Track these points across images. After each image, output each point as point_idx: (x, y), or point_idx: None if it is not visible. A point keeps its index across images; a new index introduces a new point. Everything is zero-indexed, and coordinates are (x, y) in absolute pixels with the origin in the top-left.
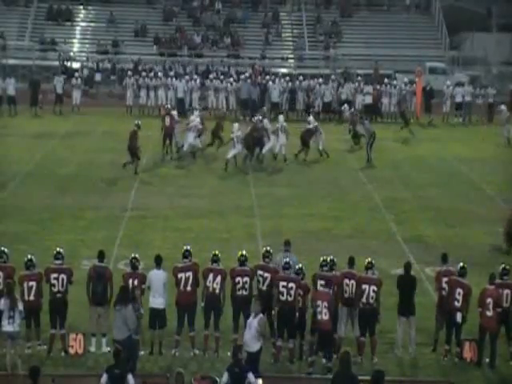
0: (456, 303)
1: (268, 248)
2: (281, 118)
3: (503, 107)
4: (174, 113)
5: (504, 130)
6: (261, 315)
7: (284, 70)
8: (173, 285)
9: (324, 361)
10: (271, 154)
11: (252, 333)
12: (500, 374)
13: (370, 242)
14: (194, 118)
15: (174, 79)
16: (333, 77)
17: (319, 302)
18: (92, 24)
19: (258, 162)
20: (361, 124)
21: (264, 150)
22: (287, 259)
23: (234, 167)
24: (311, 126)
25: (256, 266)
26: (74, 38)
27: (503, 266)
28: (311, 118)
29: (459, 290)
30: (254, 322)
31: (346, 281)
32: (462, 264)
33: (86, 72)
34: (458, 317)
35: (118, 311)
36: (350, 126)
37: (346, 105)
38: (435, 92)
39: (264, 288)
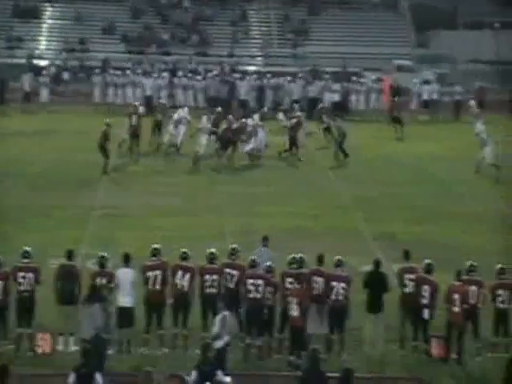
0: (423, 300)
1: (235, 246)
2: (256, 116)
3: (472, 103)
4: (141, 111)
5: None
6: (224, 313)
7: (252, 68)
8: (141, 283)
9: (292, 358)
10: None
11: (218, 329)
12: (467, 370)
13: (340, 239)
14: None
15: (141, 77)
16: (301, 74)
17: (290, 299)
18: (59, 21)
19: (229, 160)
20: (323, 121)
21: (247, 149)
22: (254, 257)
23: (206, 165)
24: (290, 123)
25: (223, 263)
26: (41, 35)
27: (470, 262)
28: (281, 115)
29: (426, 287)
30: (220, 319)
31: (315, 278)
32: (428, 261)
33: (53, 70)
34: (426, 313)
35: (86, 310)
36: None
37: (281, 114)
38: (402, 90)
39: (232, 286)
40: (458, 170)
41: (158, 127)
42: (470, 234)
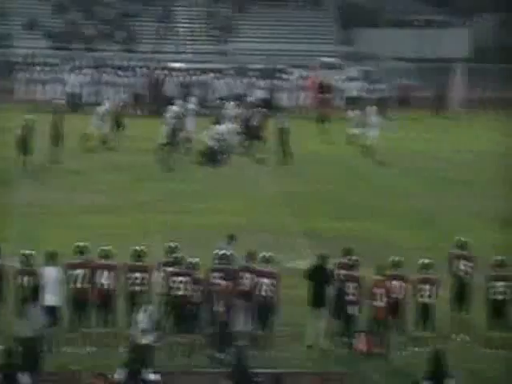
0: (349, 296)
1: (172, 244)
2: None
3: (373, 109)
4: (65, 107)
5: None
6: (152, 309)
7: (178, 65)
8: (66, 282)
9: (219, 354)
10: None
11: (144, 327)
12: (392, 364)
13: (268, 235)
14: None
15: (66, 73)
16: (227, 71)
17: (217, 295)
18: None
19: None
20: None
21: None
22: (177, 254)
23: (138, 161)
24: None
25: (161, 261)
26: None
27: (394, 257)
28: (231, 104)
29: (352, 284)
30: (146, 317)
31: (243, 274)
32: (354, 257)
33: None
34: (352, 309)
35: (28, 309)
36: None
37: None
38: (328, 87)
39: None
40: (383, 166)
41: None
42: (394, 229)
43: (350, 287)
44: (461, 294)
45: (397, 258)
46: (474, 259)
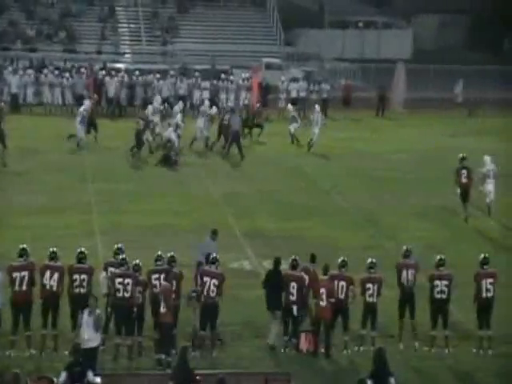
0: (291, 297)
1: (118, 245)
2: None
3: (290, 107)
4: (6, 109)
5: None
6: (97, 311)
7: (121, 65)
8: (8, 284)
9: (162, 356)
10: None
11: (89, 330)
12: (335, 364)
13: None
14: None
15: (7, 74)
16: (171, 72)
17: (160, 296)
18: None
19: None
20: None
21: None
22: (122, 256)
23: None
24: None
25: (106, 263)
26: None
27: (342, 258)
28: (177, 107)
29: (293, 284)
30: (91, 319)
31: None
32: (293, 256)
33: None
34: (294, 310)
35: None
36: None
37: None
38: (271, 88)
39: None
40: (325, 166)
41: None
42: (338, 229)
43: (291, 287)
44: (405, 302)
45: (342, 258)
46: (418, 266)
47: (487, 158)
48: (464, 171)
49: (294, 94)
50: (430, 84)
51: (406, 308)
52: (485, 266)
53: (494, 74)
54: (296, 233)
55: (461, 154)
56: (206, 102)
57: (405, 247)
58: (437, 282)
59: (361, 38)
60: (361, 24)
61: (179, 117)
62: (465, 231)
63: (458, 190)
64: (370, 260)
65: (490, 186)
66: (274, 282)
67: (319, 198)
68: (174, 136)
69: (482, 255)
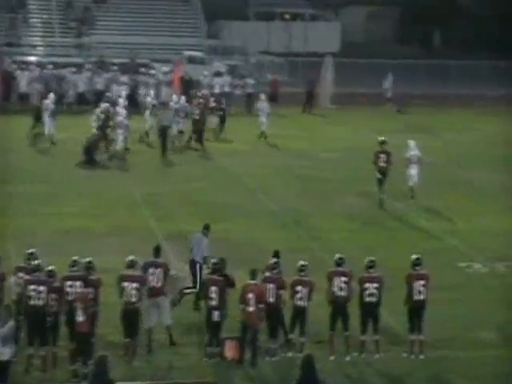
0: (211, 302)
1: (30, 250)
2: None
3: (263, 97)
4: None
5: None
6: (10, 322)
7: (33, 58)
8: None
9: (78, 366)
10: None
11: (2, 341)
12: (261, 371)
13: (128, 239)
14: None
15: None
16: (87, 66)
17: (76, 304)
18: None
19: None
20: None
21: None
22: (34, 261)
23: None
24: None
25: (16, 267)
26: None
27: (274, 260)
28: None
29: (213, 288)
30: (4, 330)
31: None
32: (214, 260)
33: None
34: (215, 315)
35: None
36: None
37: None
38: (194, 82)
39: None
40: (250, 165)
41: None
42: (263, 230)
43: (213, 292)
44: (337, 314)
45: (275, 261)
46: (350, 273)
47: (411, 143)
48: (383, 155)
49: (217, 89)
50: (358, 79)
51: (338, 320)
52: (417, 268)
53: (424, 68)
54: (219, 235)
55: (380, 138)
56: (123, 94)
57: (337, 255)
58: (367, 285)
59: (287, 31)
60: (287, 16)
61: (124, 113)
62: (395, 232)
63: (378, 174)
64: (300, 262)
65: (412, 171)
66: None
67: (243, 197)
68: (115, 135)
69: (414, 256)
